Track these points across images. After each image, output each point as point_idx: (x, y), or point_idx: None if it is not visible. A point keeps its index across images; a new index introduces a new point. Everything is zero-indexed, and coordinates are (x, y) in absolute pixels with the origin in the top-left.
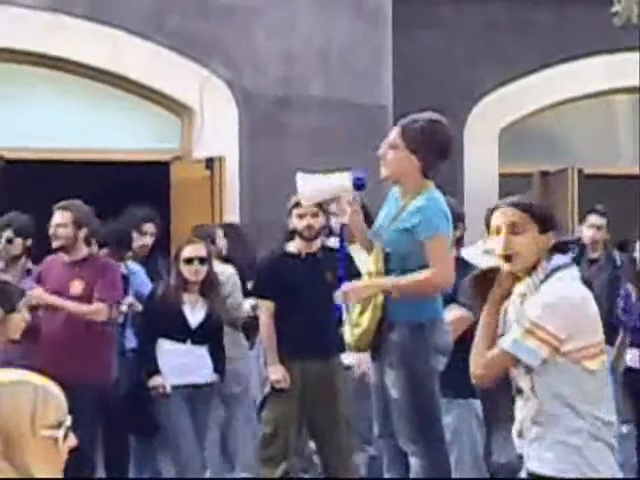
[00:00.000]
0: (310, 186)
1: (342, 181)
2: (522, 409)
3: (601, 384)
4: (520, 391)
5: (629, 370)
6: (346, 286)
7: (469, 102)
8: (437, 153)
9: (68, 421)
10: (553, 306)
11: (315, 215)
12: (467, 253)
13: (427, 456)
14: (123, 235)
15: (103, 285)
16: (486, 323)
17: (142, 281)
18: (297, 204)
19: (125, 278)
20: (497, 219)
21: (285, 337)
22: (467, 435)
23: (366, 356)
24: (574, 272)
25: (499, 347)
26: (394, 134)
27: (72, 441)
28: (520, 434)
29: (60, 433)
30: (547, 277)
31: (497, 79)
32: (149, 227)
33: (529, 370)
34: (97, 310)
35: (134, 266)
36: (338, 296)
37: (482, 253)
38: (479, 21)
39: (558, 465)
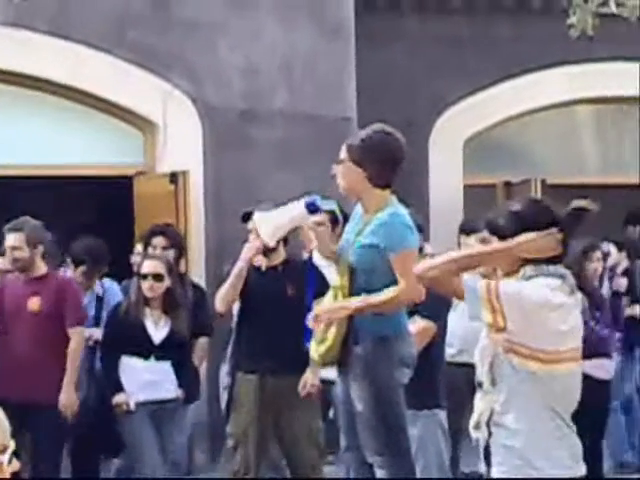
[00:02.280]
0: (269, 225)
1: (297, 212)
2: (480, 402)
3: (553, 388)
4: (480, 385)
5: None
6: (318, 309)
7: (433, 114)
8: (381, 163)
9: (12, 446)
10: (518, 287)
11: None
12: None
13: (393, 468)
14: (100, 251)
15: (70, 310)
16: (476, 258)
17: (117, 297)
18: (245, 218)
19: (100, 298)
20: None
21: (244, 351)
22: (432, 446)
23: (313, 375)
24: (553, 282)
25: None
26: (342, 149)
27: (15, 466)
28: (477, 426)
29: (5, 458)
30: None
31: (460, 91)
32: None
33: (491, 365)
34: (80, 338)
35: (109, 283)
36: (309, 320)
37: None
38: (442, 34)
39: (500, 467)
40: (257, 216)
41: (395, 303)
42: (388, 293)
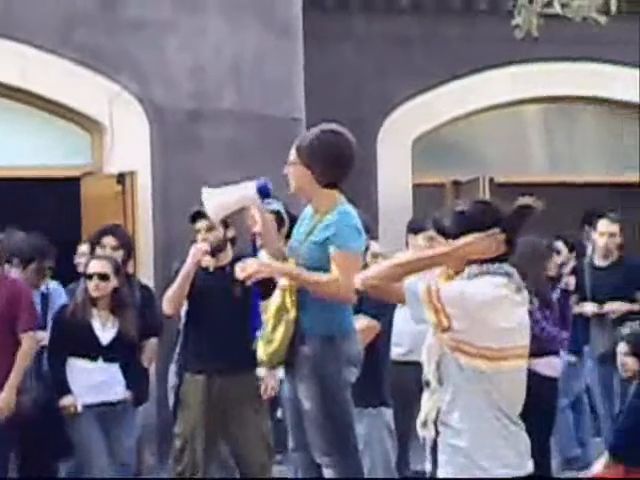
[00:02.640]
0: (215, 201)
1: (247, 191)
2: (427, 401)
3: (500, 386)
4: (428, 383)
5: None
6: (246, 260)
7: (381, 114)
8: (330, 163)
9: None
10: (459, 287)
11: (210, 229)
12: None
13: (341, 467)
14: (45, 247)
15: (23, 314)
16: (420, 262)
17: (62, 298)
18: (193, 219)
19: (45, 297)
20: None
21: (191, 351)
22: (379, 444)
23: (273, 379)
24: (498, 280)
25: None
26: (291, 151)
27: None
28: (424, 425)
29: None
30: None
31: (409, 91)
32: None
33: (438, 364)
34: (32, 343)
35: (53, 284)
36: (238, 268)
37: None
38: (390, 33)
39: (446, 467)
40: (205, 192)
41: (325, 289)
42: (323, 277)
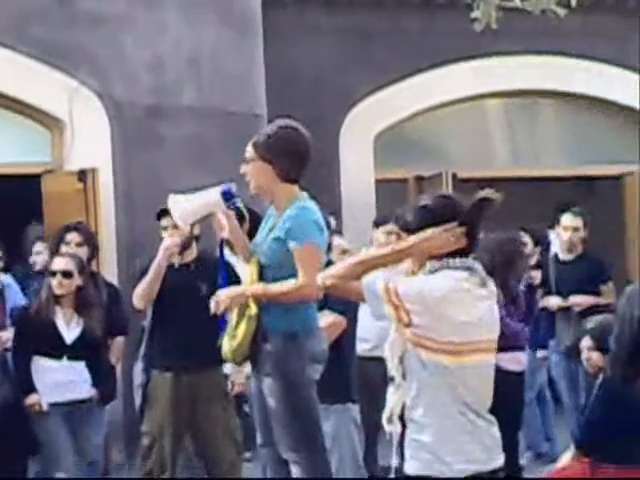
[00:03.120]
0: (182, 208)
1: (212, 197)
2: (392, 396)
3: (465, 381)
4: (392, 379)
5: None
6: (219, 294)
7: (343, 109)
8: (288, 157)
9: None
10: (416, 283)
11: (176, 226)
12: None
13: (307, 464)
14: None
15: None
16: (380, 259)
17: (18, 294)
18: (159, 216)
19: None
20: None
21: (157, 348)
22: (347, 440)
23: (239, 375)
24: (458, 274)
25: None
26: (248, 147)
27: None
28: (389, 420)
29: None
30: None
31: (370, 85)
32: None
33: (402, 360)
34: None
35: (7, 279)
36: (212, 304)
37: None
38: (350, 28)
39: (411, 462)
40: (171, 199)
41: (293, 296)
42: (287, 285)
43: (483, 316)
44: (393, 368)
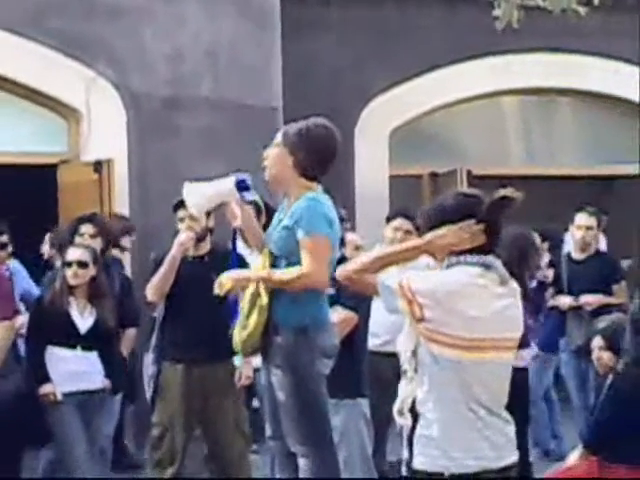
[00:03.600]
0: (196, 196)
1: (226, 186)
2: (404, 388)
3: (478, 377)
4: (405, 372)
5: None
6: (222, 276)
7: (359, 104)
8: (314, 153)
9: None
10: (429, 278)
11: (193, 218)
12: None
13: (315, 457)
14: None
15: (3, 301)
16: (396, 255)
17: (26, 279)
18: (176, 208)
19: (9, 279)
20: None
21: (169, 340)
22: (356, 435)
23: (247, 368)
24: (473, 270)
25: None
26: (278, 135)
27: None
28: (400, 413)
29: None
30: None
31: (387, 81)
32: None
33: (414, 353)
34: (6, 333)
35: (16, 265)
36: (216, 286)
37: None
38: (368, 24)
39: (419, 457)
40: (186, 187)
41: (295, 284)
42: (290, 272)
43: (499, 313)
44: (405, 362)
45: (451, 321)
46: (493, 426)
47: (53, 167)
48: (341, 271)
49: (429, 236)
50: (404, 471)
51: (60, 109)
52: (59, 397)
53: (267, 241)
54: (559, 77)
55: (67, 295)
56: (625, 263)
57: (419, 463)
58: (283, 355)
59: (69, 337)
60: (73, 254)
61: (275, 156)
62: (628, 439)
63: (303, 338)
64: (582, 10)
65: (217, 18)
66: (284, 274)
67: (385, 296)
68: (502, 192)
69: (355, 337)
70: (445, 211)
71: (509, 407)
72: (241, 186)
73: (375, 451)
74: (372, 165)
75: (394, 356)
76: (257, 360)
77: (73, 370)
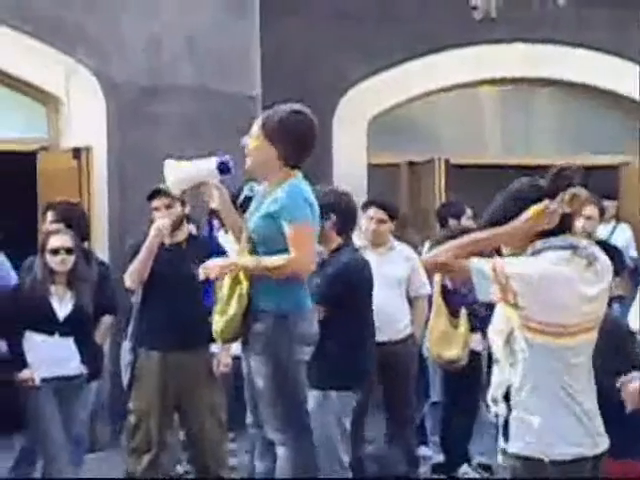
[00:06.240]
0: (176, 173)
1: (208, 166)
2: (497, 376)
3: (568, 362)
4: (497, 361)
5: None
6: (208, 262)
7: (338, 92)
8: (296, 143)
9: None
10: (522, 263)
11: (168, 207)
12: None
13: (293, 446)
14: None
15: None
16: (483, 242)
17: (7, 272)
18: (151, 197)
19: None
20: None
21: (146, 327)
22: (321, 427)
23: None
24: (562, 253)
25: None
26: (255, 125)
27: None
28: (494, 401)
29: None
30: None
31: (366, 69)
32: None
33: (507, 341)
34: None
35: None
36: (200, 272)
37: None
38: (346, 11)
39: (516, 442)
40: (167, 164)
41: (284, 270)
42: (279, 259)
43: (587, 297)
44: (498, 350)
45: (544, 308)
46: (587, 412)
47: (32, 154)
48: (431, 257)
49: (516, 222)
50: (500, 459)
51: (39, 96)
52: (37, 382)
53: (245, 227)
54: (536, 67)
55: (49, 282)
56: None
57: (514, 448)
58: (262, 342)
59: (48, 323)
60: (58, 241)
61: (256, 148)
62: None
63: (282, 325)
64: (561, 1)
65: (195, 6)
66: (272, 261)
67: (479, 281)
68: (561, 164)
69: (330, 329)
70: (521, 198)
71: None
72: (222, 168)
73: (354, 435)
74: (350, 153)
75: (379, 346)
76: (234, 347)
77: (51, 356)
